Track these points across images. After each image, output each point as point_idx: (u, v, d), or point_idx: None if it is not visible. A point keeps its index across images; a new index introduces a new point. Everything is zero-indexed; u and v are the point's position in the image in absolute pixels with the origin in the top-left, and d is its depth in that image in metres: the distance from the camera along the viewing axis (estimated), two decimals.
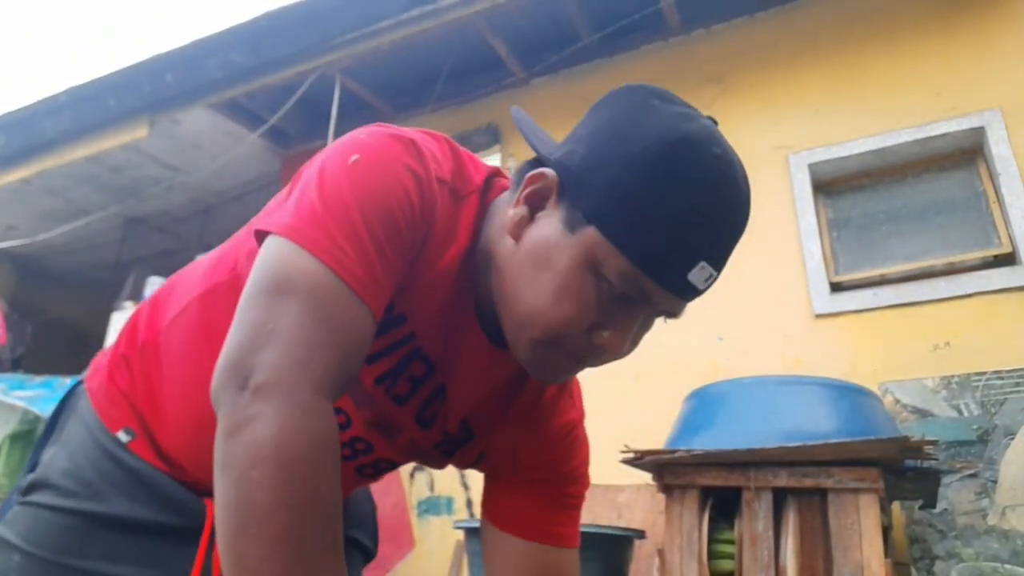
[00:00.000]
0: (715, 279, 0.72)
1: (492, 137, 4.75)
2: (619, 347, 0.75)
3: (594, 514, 3.23)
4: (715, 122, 0.76)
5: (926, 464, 2.39)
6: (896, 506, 2.81)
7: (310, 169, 0.76)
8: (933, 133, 3.47)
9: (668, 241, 0.68)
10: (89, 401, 0.94)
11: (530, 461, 0.94)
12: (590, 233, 0.70)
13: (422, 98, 4.88)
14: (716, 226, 0.70)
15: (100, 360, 0.98)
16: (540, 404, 0.93)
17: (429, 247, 0.77)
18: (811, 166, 3.69)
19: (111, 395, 0.93)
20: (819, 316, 3.40)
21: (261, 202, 5.85)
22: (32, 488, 0.89)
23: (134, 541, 0.86)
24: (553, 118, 4.57)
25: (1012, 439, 2.82)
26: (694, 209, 0.68)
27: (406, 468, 3.64)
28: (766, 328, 3.45)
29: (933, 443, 2.14)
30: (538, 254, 0.74)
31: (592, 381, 4.22)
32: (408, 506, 3.55)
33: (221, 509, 0.59)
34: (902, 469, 2.25)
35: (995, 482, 2.78)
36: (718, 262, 0.71)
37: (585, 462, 0.99)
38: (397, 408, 0.85)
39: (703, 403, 2.52)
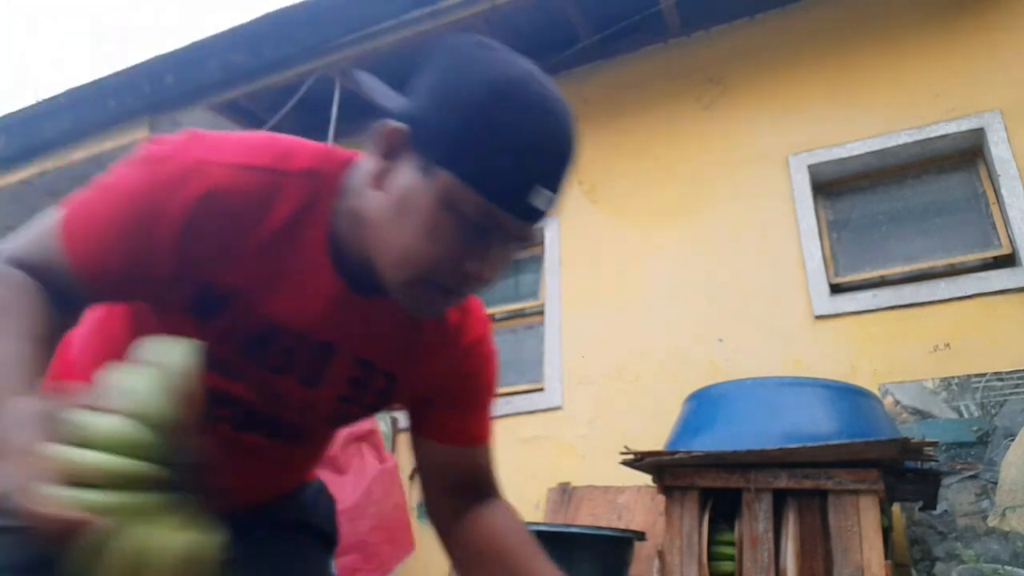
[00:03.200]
0: (555, 201, 0.81)
1: None
2: (484, 274, 0.83)
3: (594, 515, 3.23)
4: (536, 66, 0.84)
5: (926, 465, 2.39)
6: (896, 507, 2.81)
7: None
8: (933, 134, 3.47)
9: (507, 172, 0.77)
10: None
11: (448, 384, 1.04)
12: (442, 175, 0.78)
13: None
14: (545, 153, 0.79)
15: None
16: (447, 331, 1.02)
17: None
18: (811, 167, 3.69)
19: None
20: (819, 317, 3.41)
21: None
22: None
23: None
24: None
25: (1012, 440, 2.82)
26: (523, 140, 0.77)
27: (406, 470, 3.65)
28: (766, 329, 3.45)
29: (933, 444, 2.15)
30: (400, 203, 0.81)
31: (592, 381, 4.22)
32: (408, 507, 3.55)
33: None
34: (902, 470, 2.25)
35: (995, 483, 2.78)
36: (554, 185, 0.80)
37: (494, 371, 1.09)
38: (275, 376, 0.94)
39: (703, 404, 2.52)
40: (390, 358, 0.99)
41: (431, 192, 0.79)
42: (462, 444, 1.05)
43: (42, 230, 0.86)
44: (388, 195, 0.82)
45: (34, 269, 0.83)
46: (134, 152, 0.86)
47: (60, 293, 0.83)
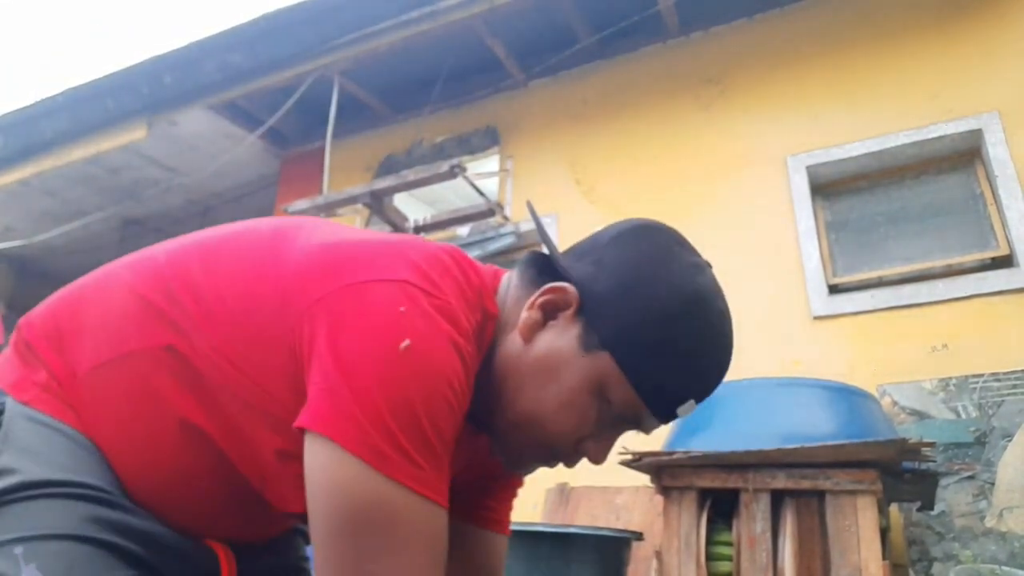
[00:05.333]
0: (692, 411, 0.81)
1: (491, 139, 4.75)
2: (601, 458, 0.83)
3: (592, 515, 3.22)
4: (710, 266, 0.85)
5: (924, 466, 2.39)
6: (894, 508, 2.81)
7: (347, 342, 0.71)
8: (931, 135, 3.48)
9: (671, 380, 0.78)
10: (51, 416, 0.83)
11: (492, 473, 1.00)
12: (604, 358, 0.77)
13: (421, 100, 4.88)
14: (711, 373, 0.81)
15: (22, 375, 0.86)
16: None
17: None
18: (809, 168, 3.69)
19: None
20: (817, 318, 3.41)
21: (259, 203, 5.87)
22: (27, 487, 0.78)
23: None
24: (551, 119, 4.58)
25: (1010, 441, 2.82)
26: (697, 357, 0.79)
27: None
28: (764, 330, 3.45)
29: (931, 445, 2.15)
30: (548, 363, 0.79)
31: None
32: None
33: None
34: (900, 471, 2.25)
35: (993, 484, 2.79)
36: (701, 400, 0.81)
37: None
38: None
39: (701, 405, 2.51)
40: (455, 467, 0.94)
41: (585, 370, 0.78)
42: (497, 531, 1.02)
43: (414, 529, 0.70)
44: (533, 349, 0.80)
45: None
46: (381, 350, 0.70)
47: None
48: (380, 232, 0.93)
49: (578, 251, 0.86)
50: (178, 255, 0.87)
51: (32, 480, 0.77)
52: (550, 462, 0.85)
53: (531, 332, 0.81)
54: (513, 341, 0.82)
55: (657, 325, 0.77)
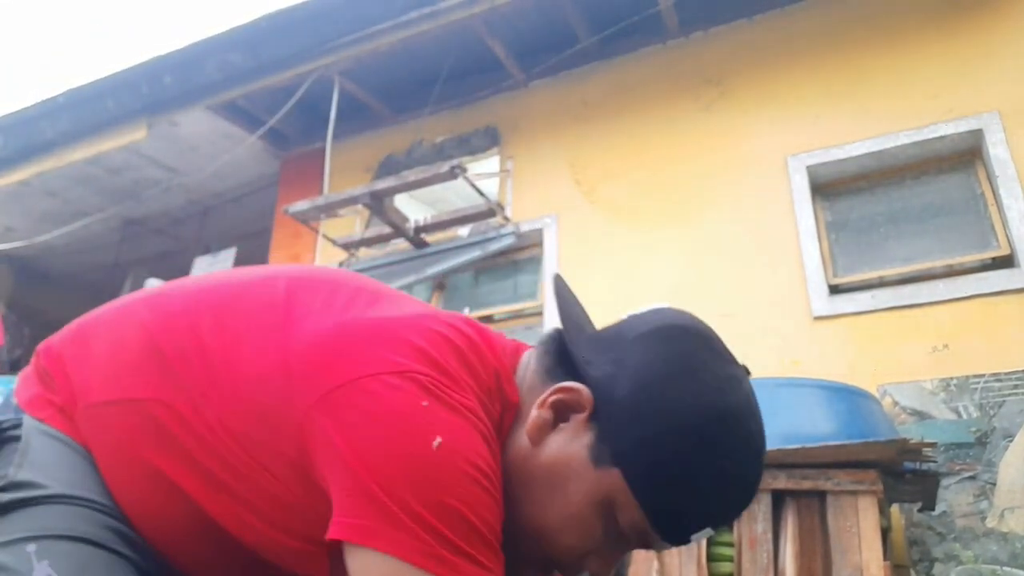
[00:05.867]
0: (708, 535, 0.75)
1: (491, 139, 4.75)
2: (605, 574, 0.77)
3: None
4: (748, 372, 0.78)
5: (925, 466, 2.39)
6: (895, 508, 2.81)
7: (367, 440, 0.67)
8: (931, 135, 3.47)
9: (688, 508, 0.71)
10: (68, 435, 0.82)
11: None
12: (615, 475, 0.71)
13: (421, 100, 4.87)
14: (733, 504, 0.74)
15: (39, 394, 0.85)
16: None
17: None
18: (810, 168, 3.69)
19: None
20: (817, 318, 3.40)
21: (259, 204, 5.87)
22: (49, 499, 0.78)
23: None
24: (552, 120, 4.57)
25: (1011, 441, 2.82)
26: (720, 485, 0.71)
27: None
28: (764, 330, 3.45)
29: (932, 445, 2.15)
30: (555, 471, 0.73)
31: None
32: None
33: None
34: (901, 471, 2.25)
35: (994, 484, 2.78)
36: (719, 528, 0.74)
37: None
38: None
39: None
40: None
41: (594, 484, 0.72)
42: None
43: None
44: (542, 454, 0.74)
45: None
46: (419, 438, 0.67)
47: None
48: (401, 298, 0.87)
49: (602, 342, 0.79)
50: (192, 306, 0.84)
51: (51, 494, 0.77)
52: (549, 574, 0.80)
53: (540, 434, 0.75)
54: (522, 440, 0.76)
55: (676, 447, 0.69)
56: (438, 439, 0.66)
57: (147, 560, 0.79)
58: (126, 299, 0.91)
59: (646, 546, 0.76)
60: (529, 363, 0.82)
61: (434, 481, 0.64)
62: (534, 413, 0.75)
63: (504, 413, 0.77)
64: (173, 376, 0.78)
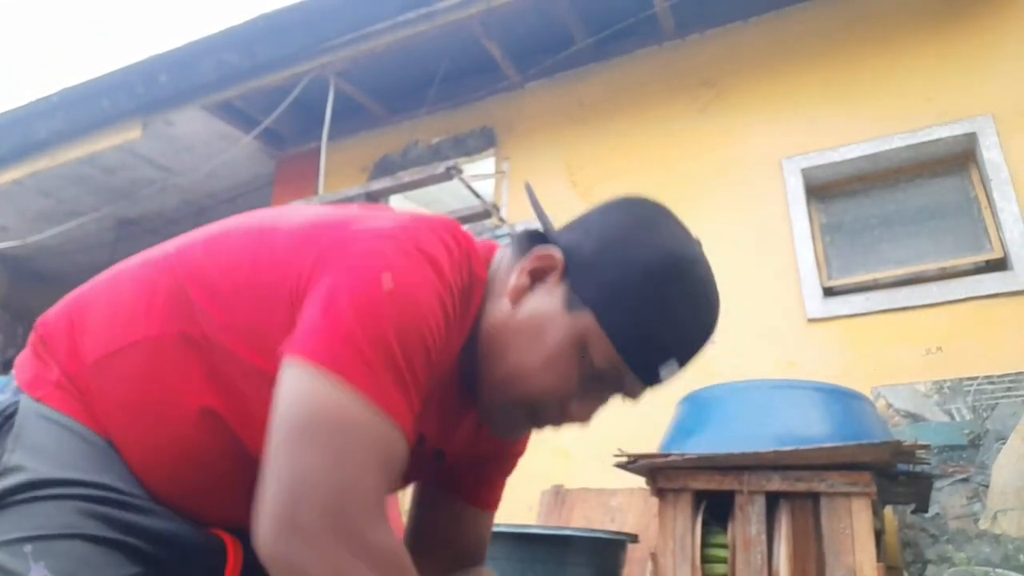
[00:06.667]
0: (676, 374, 0.83)
1: (487, 140, 4.75)
2: (585, 418, 0.84)
3: (587, 518, 3.22)
4: (700, 243, 0.87)
5: (918, 468, 2.40)
6: (888, 510, 2.82)
7: (332, 280, 0.73)
8: (925, 138, 3.49)
9: (651, 339, 0.79)
10: (63, 413, 0.84)
11: (489, 458, 1.03)
12: (586, 316, 0.79)
13: (417, 101, 4.87)
14: (693, 333, 0.81)
15: (38, 373, 0.87)
16: None
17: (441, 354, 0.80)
18: (804, 171, 3.70)
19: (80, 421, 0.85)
20: (812, 320, 3.41)
21: (254, 204, 5.85)
22: (35, 486, 0.78)
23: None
24: (548, 121, 4.58)
25: (1003, 444, 2.83)
26: (678, 318, 0.79)
27: (404, 503, 3.64)
28: (759, 332, 3.46)
29: (925, 447, 2.15)
30: (533, 323, 0.81)
31: None
32: (402, 511, 3.54)
33: None
34: (894, 473, 2.26)
35: (987, 486, 2.79)
36: (684, 362, 0.82)
37: (527, 437, 1.07)
38: None
39: (696, 407, 2.52)
40: (451, 444, 0.95)
41: (568, 328, 0.79)
42: (485, 508, 1.04)
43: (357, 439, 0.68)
44: (519, 312, 0.82)
45: (380, 511, 0.69)
46: (364, 290, 0.72)
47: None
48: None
49: (571, 224, 0.89)
50: (186, 246, 0.90)
51: (40, 479, 0.78)
52: (536, 423, 0.86)
53: (519, 295, 0.83)
54: (501, 305, 0.84)
55: (638, 283, 0.78)
56: (388, 276, 0.72)
57: (145, 537, 0.80)
58: (120, 264, 0.96)
59: (621, 388, 0.83)
60: (505, 253, 0.90)
61: (372, 312, 0.70)
62: (513, 278, 0.84)
63: (472, 285, 0.83)
64: (172, 306, 0.83)
